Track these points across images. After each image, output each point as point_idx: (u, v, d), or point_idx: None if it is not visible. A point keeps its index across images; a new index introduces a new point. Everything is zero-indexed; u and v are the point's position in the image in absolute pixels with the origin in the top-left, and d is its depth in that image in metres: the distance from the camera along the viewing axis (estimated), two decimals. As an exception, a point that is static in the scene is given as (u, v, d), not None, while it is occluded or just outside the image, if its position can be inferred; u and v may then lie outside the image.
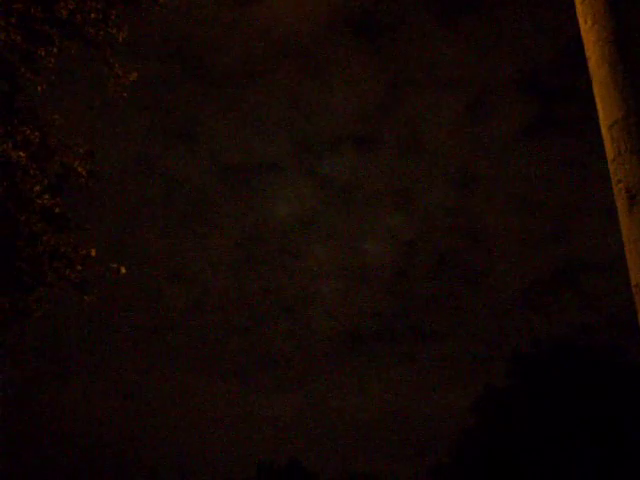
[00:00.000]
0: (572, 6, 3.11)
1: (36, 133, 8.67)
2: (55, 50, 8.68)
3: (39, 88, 8.84)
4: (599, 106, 2.74)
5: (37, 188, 8.50)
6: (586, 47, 2.91)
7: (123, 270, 8.83)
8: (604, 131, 2.67)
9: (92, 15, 8.63)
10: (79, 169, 8.99)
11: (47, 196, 8.62)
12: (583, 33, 2.94)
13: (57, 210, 8.68)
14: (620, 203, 2.51)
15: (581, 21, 2.98)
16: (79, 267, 8.68)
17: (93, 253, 8.80)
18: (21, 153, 8.30)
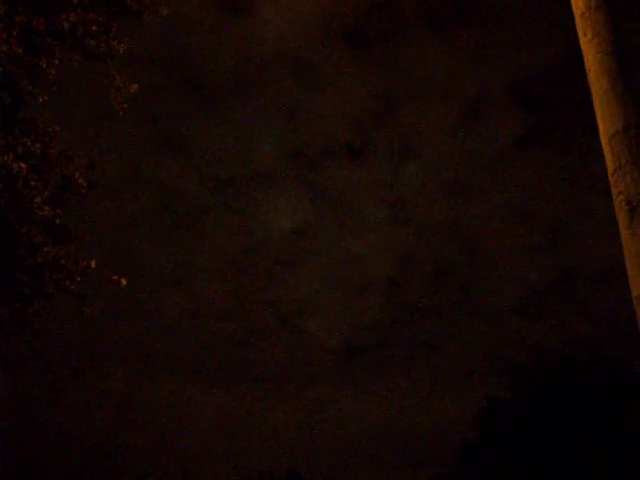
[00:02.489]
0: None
1: (37, 144, 8.69)
2: (56, 62, 8.71)
3: (40, 99, 8.86)
4: (599, 118, 2.74)
5: (38, 199, 8.51)
6: (586, 59, 2.91)
7: (124, 282, 8.83)
8: (604, 143, 2.67)
9: (93, 27, 8.67)
10: (80, 180, 9.01)
11: (48, 207, 8.63)
12: (583, 46, 2.95)
13: (57, 221, 8.68)
14: (621, 215, 2.51)
15: (580, 34, 2.99)
16: (79, 278, 8.68)
17: (93, 265, 8.79)
18: (22, 164, 8.31)
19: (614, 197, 2.58)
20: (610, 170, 2.61)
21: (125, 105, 9.15)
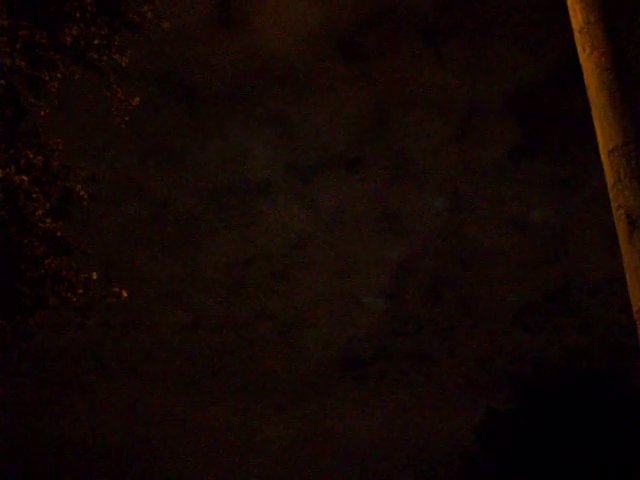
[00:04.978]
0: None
1: (39, 157, 8.72)
2: (59, 75, 8.76)
3: (42, 112, 8.91)
4: (598, 133, 2.77)
5: (39, 212, 8.54)
6: (585, 75, 2.95)
7: (125, 294, 8.85)
8: (604, 157, 2.70)
9: (96, 41, 8.73)
10: (81, 192, 9.04)
11: (49, 220, 8.65)
12: (582, 61, 2.98)
13: (59, 234, 8.70)
14: (620, 229, 2.53)
15: (580, 49, 3.02)
16: (80, 291, 8.70)
17: (94, 276, 8.82)
18: (24, 177, 8.34)
19: (614, 211, 2.60)
20: (610, 184, 2.64)
21: (126, 118, 9.20)
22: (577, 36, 3.05)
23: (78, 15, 8.47)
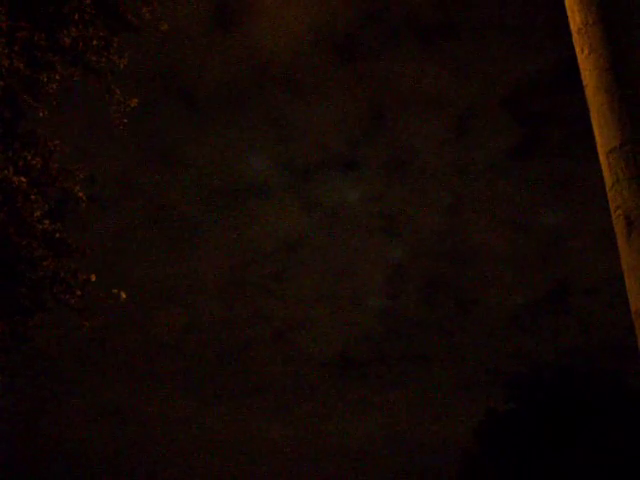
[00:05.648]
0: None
1: (37, 158, 8.72)
2: (57, 77, 8.76)
3: (41, 114, 8.91)
4: (596, 133, 2.78)
5: (38, 213, 8.54)
6: (583, 75, 2.95)
7: (124, 295, 8.85)
8: (602, 158, 2.71)
9: (94, 42, 8.74)
10: (80, 194, 9.05)
11: (47, 221, 8.66)
12: (580, 61, 2.99)
13: (57, 235, 8.71)
14: (619, 229, 2.53)
15: (578, 50, 3.02)
16: (79, 292, 8.69)
17: (93, 278, 8.82)
18: (22, 178, 8.34)
19: (612, 211, 2.61)
20: (608, 185, 2.64)
21: (125, 120, 9.21)
22: (575, 37, 3.05)
23: (77, 17, 8.48)
